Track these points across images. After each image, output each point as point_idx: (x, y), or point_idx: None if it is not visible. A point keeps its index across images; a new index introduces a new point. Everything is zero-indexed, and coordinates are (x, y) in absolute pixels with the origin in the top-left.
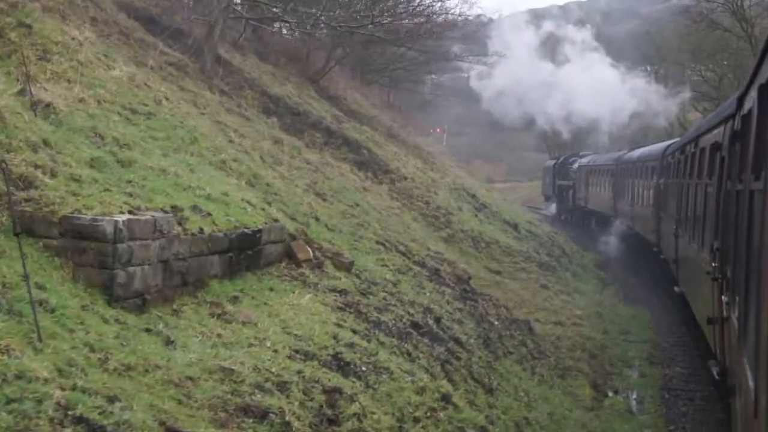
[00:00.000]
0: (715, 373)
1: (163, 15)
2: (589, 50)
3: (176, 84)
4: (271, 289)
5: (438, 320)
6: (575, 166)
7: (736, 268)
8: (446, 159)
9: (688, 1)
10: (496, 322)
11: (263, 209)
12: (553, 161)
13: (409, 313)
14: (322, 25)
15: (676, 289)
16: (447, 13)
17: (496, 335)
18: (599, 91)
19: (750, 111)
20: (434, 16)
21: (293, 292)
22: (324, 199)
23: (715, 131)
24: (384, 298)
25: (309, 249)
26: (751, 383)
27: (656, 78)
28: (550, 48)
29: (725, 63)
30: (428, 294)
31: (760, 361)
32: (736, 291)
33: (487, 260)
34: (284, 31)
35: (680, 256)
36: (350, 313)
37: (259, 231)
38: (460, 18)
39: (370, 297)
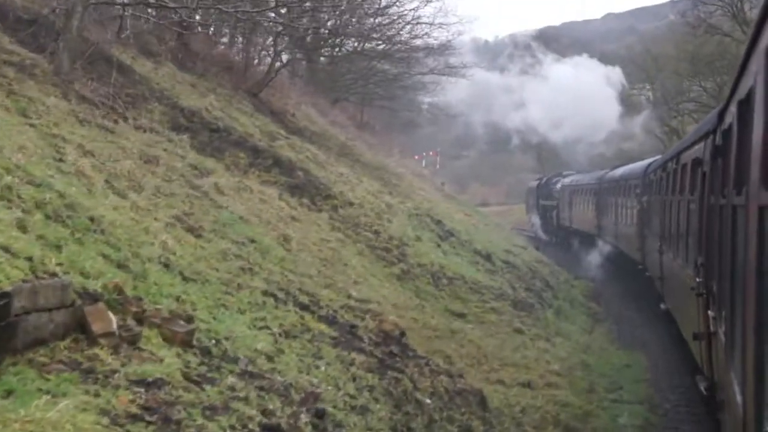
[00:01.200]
0: (702, 388)
1: (43, 10)
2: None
3: (6, 88)
4: (9, 393)
5: (321, 415)
6: (558, 186)
7: (722, 283)
8: (420, 182)
9: (684, 5)
10: (428, 400)
11: (31, 258)
12: (537, 181)
13: (269, 409)
14: (214, 11)
15: (662, 306)
16: (418, 22)
17: (423, 422)
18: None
19: (730, 126)
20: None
21: (49, 394)
22: (198, 236)
23: (696, 147)
24: (231, 387)
25: (112, 316)
26: (738, 398)
27: (653, 91)
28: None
29: (725, 75)
30: (324, 368)
31: (747, 376)
32: (722, 306)
33: (448, 301)
34: (214, 34)
35: (665, 273)
36: (149, 423)
37: (6, 294)
38: (432, 26)
39: (207, 388)
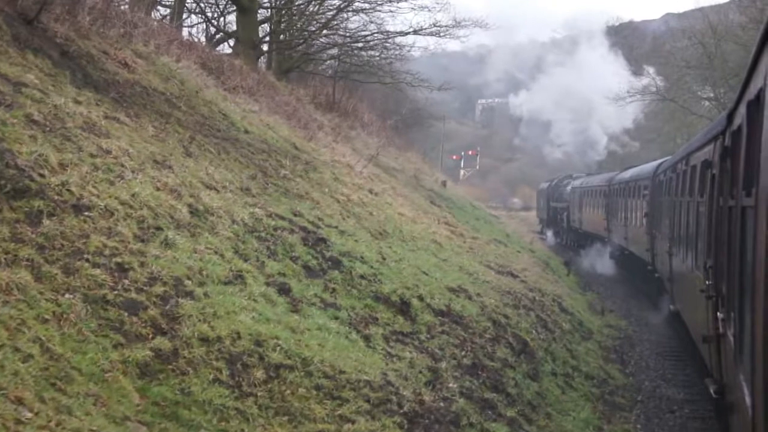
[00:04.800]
0: (712, 391)
1: None
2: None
3: None
4: None
5: None
6: (568, 188)
7: (731, 284)
8: (367, 176)
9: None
10: None
11: None
12: (547, 183)
13: None
14: None
15: (671, 307)
16: None
17: None
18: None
19: (740, 127)
20: None
21: None
22: None
23: (706, 149)
24: None
25: None
26: (748, 400)
27: (711, 69)
28: None
29: None
30: None
31: (756, 377)
32: (731, 307)
33: (256, 424)
34: None
35: (674, 274)
36: None
37: None
38: None
39: None
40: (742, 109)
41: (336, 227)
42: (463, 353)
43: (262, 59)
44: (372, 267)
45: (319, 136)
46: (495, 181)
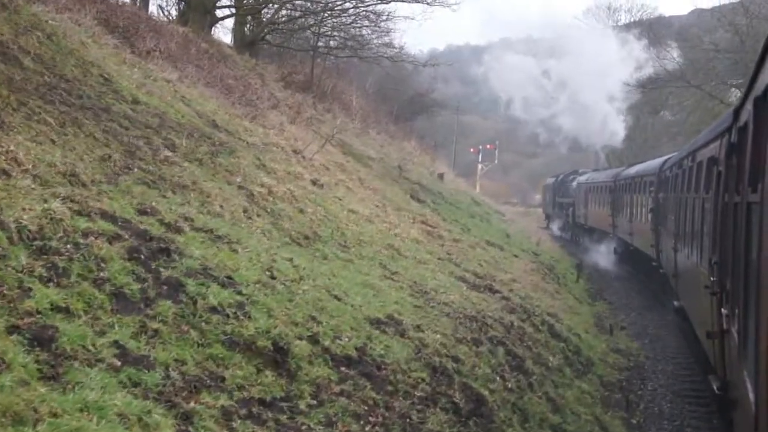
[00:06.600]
0: (715, 387)
1: None
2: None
3: None
4: None
5: None
6: (574, 184)
7: (735, 281)
8: (321, 166)
9: None
10: None
11: None
12: (553, 179)
13: None
14: None
15: (675, 303)
16: None
17: None
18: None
19: (746, 123)
20: None
21: None
22: None
23: (712, 145)
24: None
25: None
26: (751, 396)
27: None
28: None
29: None
30: None
31: (760, 374)
32: (736, 303)
33: None
34: None
35: (679, 270)
36: None
37: None
38: None
39: None
40: (749, 106)
41: (211, 230)
42: (368, 429)
43: (224, 28)
44: (241, 293)
45: (269, 116)
46: (517, 176)
